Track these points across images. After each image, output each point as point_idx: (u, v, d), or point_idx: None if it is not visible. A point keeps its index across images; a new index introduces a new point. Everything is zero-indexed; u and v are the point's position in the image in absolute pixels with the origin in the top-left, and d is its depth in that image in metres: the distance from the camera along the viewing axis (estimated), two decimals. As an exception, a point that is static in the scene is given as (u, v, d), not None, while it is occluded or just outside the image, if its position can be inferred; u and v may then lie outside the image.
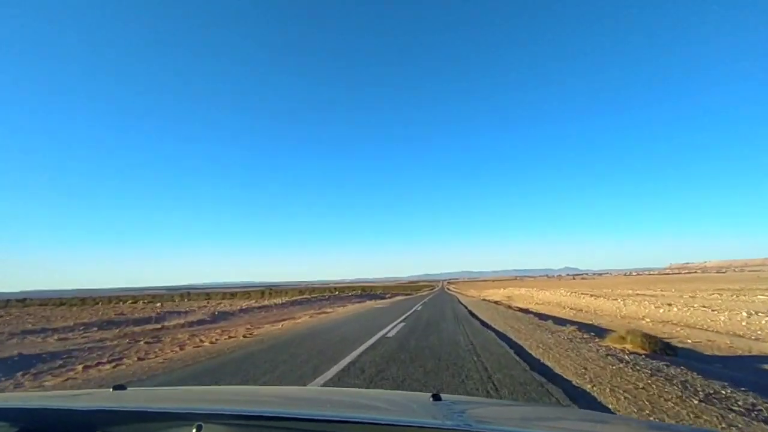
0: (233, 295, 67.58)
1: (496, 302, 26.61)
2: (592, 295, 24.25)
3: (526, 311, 18.30)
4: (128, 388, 1.56)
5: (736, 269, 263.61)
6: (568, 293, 28.01)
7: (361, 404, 1.53)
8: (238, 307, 21.91)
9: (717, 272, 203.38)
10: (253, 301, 28.03)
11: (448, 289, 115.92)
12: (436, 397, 1.34)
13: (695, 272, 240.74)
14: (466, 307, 19.59)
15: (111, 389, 1.53)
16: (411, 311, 17.00)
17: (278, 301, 27.85)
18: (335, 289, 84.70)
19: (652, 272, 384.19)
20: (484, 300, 28.84)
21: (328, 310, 22.26)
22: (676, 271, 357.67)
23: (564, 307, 20.11)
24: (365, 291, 73.28)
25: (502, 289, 51.02)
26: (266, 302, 26.43)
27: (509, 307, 20.46)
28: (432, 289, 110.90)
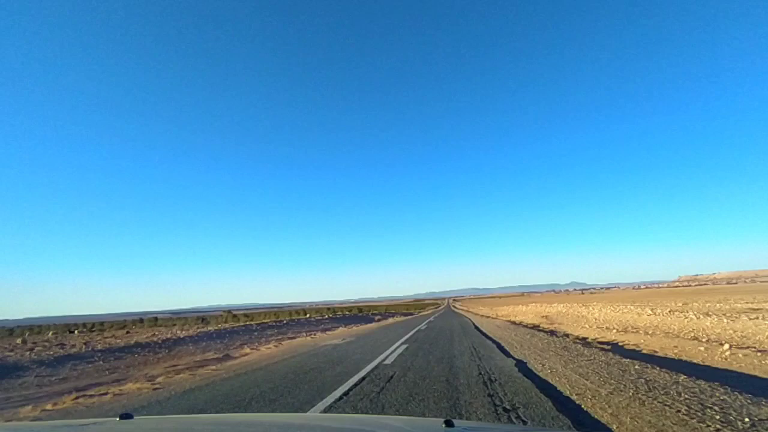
0: (204, 320, 57.77)
1: (535, 327, 16.28)
2: (701, 313, 13.87)
3: (626, 351, 8.12)
4: (135, 417, 1.46)
5: (747, 280, 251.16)
6: (640, 309, 17.56)
7: None
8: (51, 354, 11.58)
9: (728, 283, 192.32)
10: (149, 335, 17.76)
11: (455, 307, 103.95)
12: (449, 423, 1.24)
13: (706, 284, 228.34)
14: (499, 346, 9.30)
15: (117, 418, 1.43)
16: (378, 362, 6.89)
17: (194, 332, 17.53)
18: (328, 309, 73.86)
19: (661, 285, 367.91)
20: (512, 323, 18.32)
21: (245, 351, 12.07)
22: (686, 284, 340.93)
23: (699, 340, 9.76)
24: (360, 311, 62.61)
25: (523, 306, 40.00)
26: (156, 336, 16.15)
27: (585, 342, 10.16)
28: (437, 308, 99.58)
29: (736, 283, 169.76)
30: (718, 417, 3.42)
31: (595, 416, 3.61)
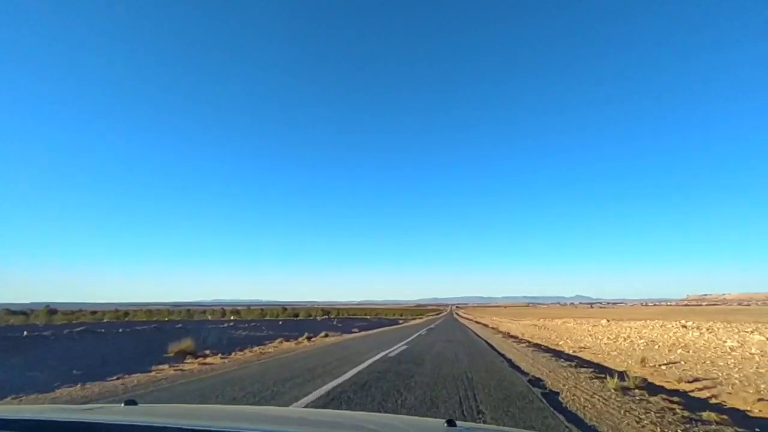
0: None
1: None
2: None
3: None
4: (139, 404, 1.44)
5: (759, 303, 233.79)
6: None
7: (371, 430, 1.36)
8: None
9: (739, 305, 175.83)
10: None
11: (458, 314, 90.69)
12: (451, 423, 1.19)
13: (717, 304, 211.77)
14: None
15: (122, 404, 1.42)
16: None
17: None
18: (262, 311, 62.07)
19: (669, 303, 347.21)
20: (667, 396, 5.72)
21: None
22: (696, 303, 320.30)
23: None
24: (328, 315, 50.32)
25: (558, 321, 27.02)
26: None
27: None
28: (438, 315, 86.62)
29: (749, 305, 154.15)
30: None
31: None
